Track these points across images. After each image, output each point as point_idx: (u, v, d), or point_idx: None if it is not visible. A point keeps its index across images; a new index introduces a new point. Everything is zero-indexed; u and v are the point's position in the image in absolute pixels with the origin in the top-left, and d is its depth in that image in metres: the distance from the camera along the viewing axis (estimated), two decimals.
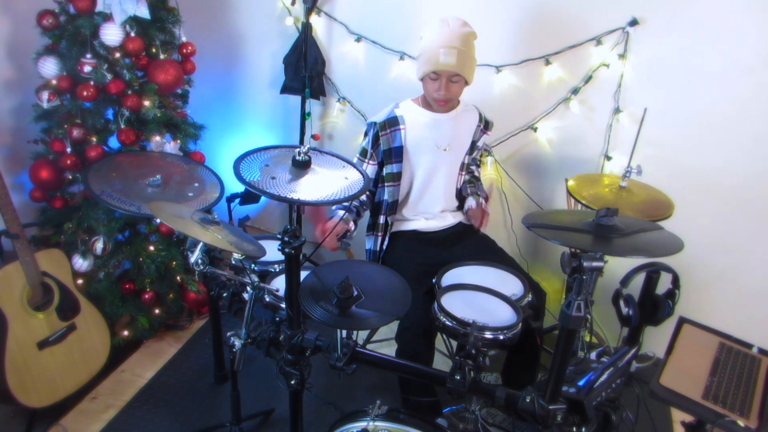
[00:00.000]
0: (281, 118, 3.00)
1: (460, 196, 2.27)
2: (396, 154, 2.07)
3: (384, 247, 2.16)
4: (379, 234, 2.17)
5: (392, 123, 2.06)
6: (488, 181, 2.62)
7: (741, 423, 1.35)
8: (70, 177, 2.22)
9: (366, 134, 2.10)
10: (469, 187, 2.26)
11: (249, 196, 1.92)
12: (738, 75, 2.11)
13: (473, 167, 2.33)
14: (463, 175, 2.25)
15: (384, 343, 2.46)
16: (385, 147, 2.07)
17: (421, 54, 1.97)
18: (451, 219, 2.21)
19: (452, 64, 1.90)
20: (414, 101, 2.11)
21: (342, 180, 1.39)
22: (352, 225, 2.08)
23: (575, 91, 2.36)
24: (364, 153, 2.09)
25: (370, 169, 2.10)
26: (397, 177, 2.11)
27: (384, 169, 2.10)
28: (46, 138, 2.19)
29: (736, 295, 2.39)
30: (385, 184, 2.12)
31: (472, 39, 1.96)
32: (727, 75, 2.13)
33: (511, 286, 1.86)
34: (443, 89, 1.96)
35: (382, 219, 2.16)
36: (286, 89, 2.77)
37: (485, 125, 2.20)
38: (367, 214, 2.22)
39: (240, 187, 1.82)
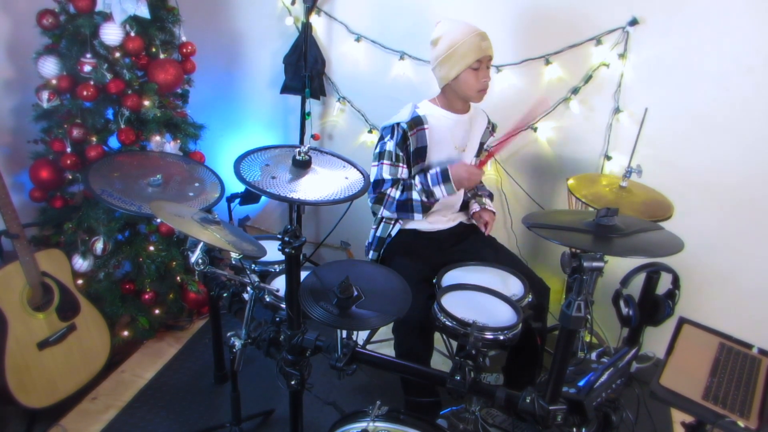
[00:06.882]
0: (281, 117, 3.00)
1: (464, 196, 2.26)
2: (421, 154, 2.02)
3: (392, 234, 2.13)
4: (391, 221, 2.13)
5: (417, 122, 1.98)
6: (488, 181, 2.62)
7: (741, 423, 1.35)
8: (70, 177, 2.22)
9: (383, 138, 2.01)
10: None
11: (249, 196, 1.92)
12: (738, 75, 2.11)
13: None
14: None
15: (384, 343, 2.46)
16: (414, 147, 1.99)
17: (451, 52, 1.90)
18: (452, 220, 2.21)
19: (490, 46, 1.94)
20: (432, 102, 2.07)
21: (342, 180, 1.39)
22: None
23: (575, 90, 2.36)
24: (396, 158, 1.98)
25: (405, 172, 2.00)
26: None
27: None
28: (46, 138, 2.19)
29: (736, 295, 2.39)
30: None
31: None
32: (727, 75, 2.13)
33: (512, 286, 1.86)
34: (486, 76, 1.96)
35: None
36: (286, 89, 2.76)
37: (492, 128, 2.21)
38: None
39: (240, 187, 1.81)
